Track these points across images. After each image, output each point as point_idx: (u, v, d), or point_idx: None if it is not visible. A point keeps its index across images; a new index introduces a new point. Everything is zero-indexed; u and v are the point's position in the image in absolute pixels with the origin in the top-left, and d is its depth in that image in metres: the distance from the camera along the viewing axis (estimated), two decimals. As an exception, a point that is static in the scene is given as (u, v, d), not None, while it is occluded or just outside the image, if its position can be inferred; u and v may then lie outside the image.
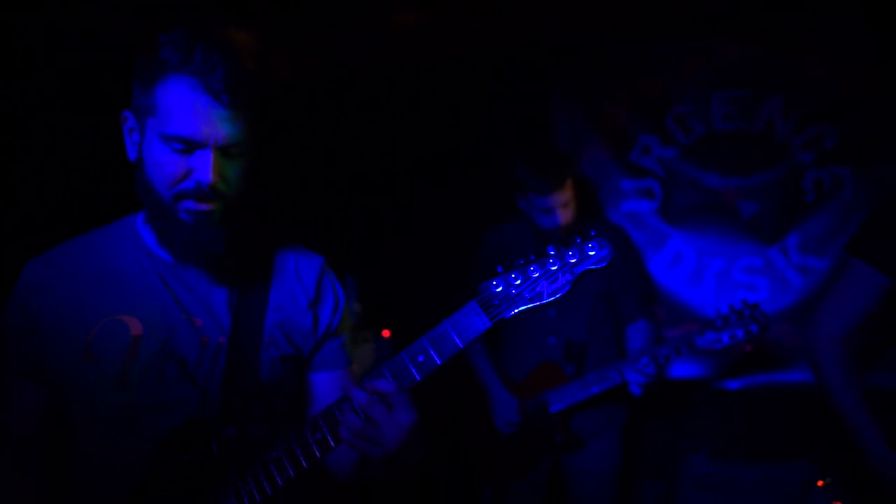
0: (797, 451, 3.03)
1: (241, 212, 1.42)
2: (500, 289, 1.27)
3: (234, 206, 1.39)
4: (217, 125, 1.31)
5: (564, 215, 2.76)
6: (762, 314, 2.57)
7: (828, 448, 2.58)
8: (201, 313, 1.44)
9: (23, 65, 2.53)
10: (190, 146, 1.32)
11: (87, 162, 2.37)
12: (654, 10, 3.10)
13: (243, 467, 1.37)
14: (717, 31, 3.17)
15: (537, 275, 1.27)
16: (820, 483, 2.89)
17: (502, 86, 3.48)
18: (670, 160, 3.33)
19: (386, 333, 3.36)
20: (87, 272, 1.43)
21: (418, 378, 1.30)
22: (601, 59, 3.36)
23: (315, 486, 1.55)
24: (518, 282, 1.27)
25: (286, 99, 3.43)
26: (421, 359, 1.29)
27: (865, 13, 2.95)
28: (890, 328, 2.82)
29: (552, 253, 1.28)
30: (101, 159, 1.87)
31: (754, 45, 3.13)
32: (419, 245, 3.65)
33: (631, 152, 3.38)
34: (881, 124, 2.99)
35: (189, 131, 1.31)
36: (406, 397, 1.29)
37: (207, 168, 1.32)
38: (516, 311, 1.27)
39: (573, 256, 1.29)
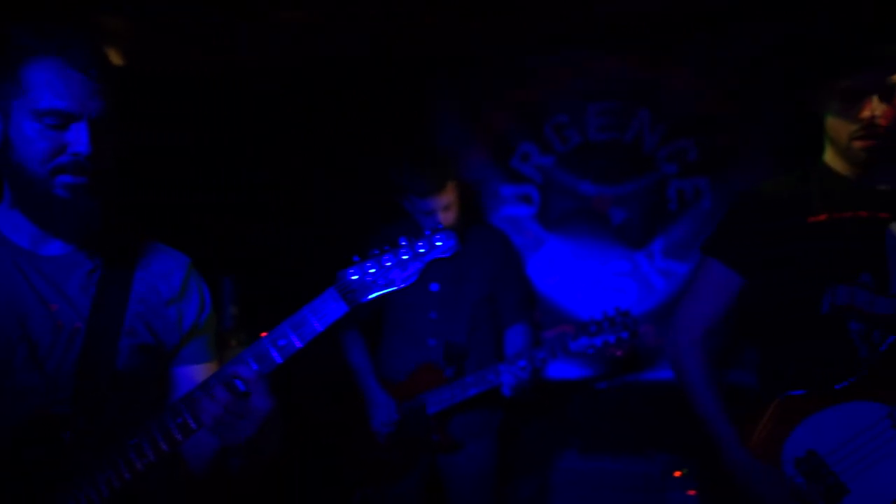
0: (659, 445, 3.26)
1: (110, 187, 1.46)
2: (356, 276, 1.38)
3: (106, 180, 1.43)
4: (90, 98, 1.37)
5: (446, 217, 2.83)
6: (633, 321, 2.73)
7: (686, 441, 2.81)
8: (57, 299, 1.45)
9: None
10: (65, 119, 1.36)
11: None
12: (531, 23, 3.25)
13: (100, 456, 1.39)
14: (590, 45, 3.36)
15: (390, 263, 1.39)
16: (677, 473, 3.14)
17: (386, 88, 3.51)
18: (548, 168, 3.49)
19: (264, 335, 3.29)
20: None
21: (279, 360, 1.38)
22: (482, 68, 3.48)
23: (176, 488, 1.59)
24: (373, 270, 1.38)
25: (166, 90, 3.31)
26: (282, 342, 1.38)
27: (724, 31, 3.25)
28: (745, 327, 3.12)
29: (404, 244, 1.40)
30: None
31: (625, 59, 3.35)
32: (302, 247, 3.60)
33: (511, 159, 3.51)
34: (736, 137, 3.29)
35: (65, 104, 1.35)
36: (265, 384, 1.36)
37: (85, 139, 1.36)
38: (371, 296, 1.39)
39: (422, 247, 1.40)
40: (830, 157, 2.06)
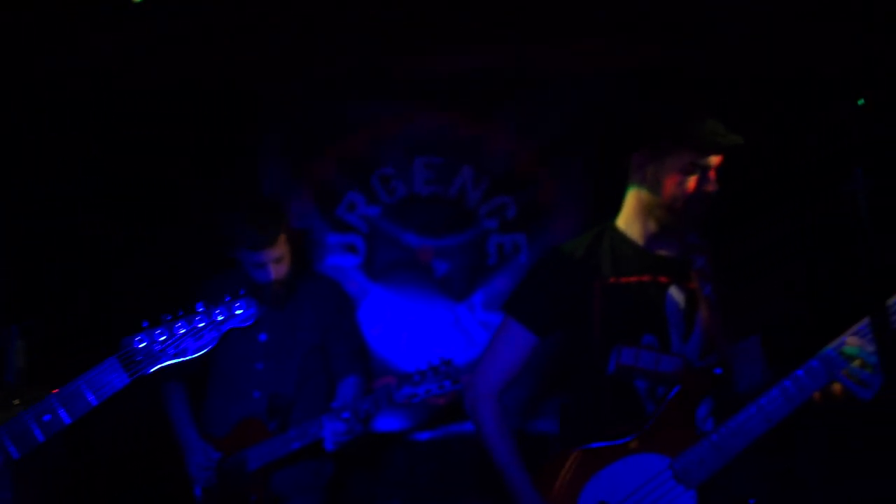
0: (476, 494, 3.34)
1: None
2: (143, 344, 1.31)
3: None
4: None
5: (277, 270, 2.80)
6: (455, 370, 2.78)
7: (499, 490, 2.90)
8: None
9: None
10: None
11: None
12: (357, 75, 3.32)
13: None
14: (417, 100, 3.48)
15: (183, 331, 1.33)
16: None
17: (212, 131, 3.41)
18: (374, 218, 3.53)
19: (24, 411, 3.01)
20: None
21: (41, 439, 1.27)
22: (309, 116, 3.48)
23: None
24: (163, 338, 1.31)
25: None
26: (47, 418, 1.27)
27: (542, 95, 3.47)
28: (544, 380, 3.29)
29: (201, 310, 1.35)
30: None
31: (450, 116, 3.49)
32: (108, 294, 3.37)
33: (337, 208, 3.52)
34: (552, 196, 3.50)
35: None
36: (8, 476, 1.27)
37: None
38: (159, 366, 1.32)
39: (220, 314, 1.35)
40: (623, 222, 2.24)
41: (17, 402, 2.81)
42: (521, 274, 3.46)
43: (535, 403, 3.48)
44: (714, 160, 2.08)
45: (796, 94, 2.68)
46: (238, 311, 1.35)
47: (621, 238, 2.22)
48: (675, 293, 2.13)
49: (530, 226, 3.52)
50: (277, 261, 2.79)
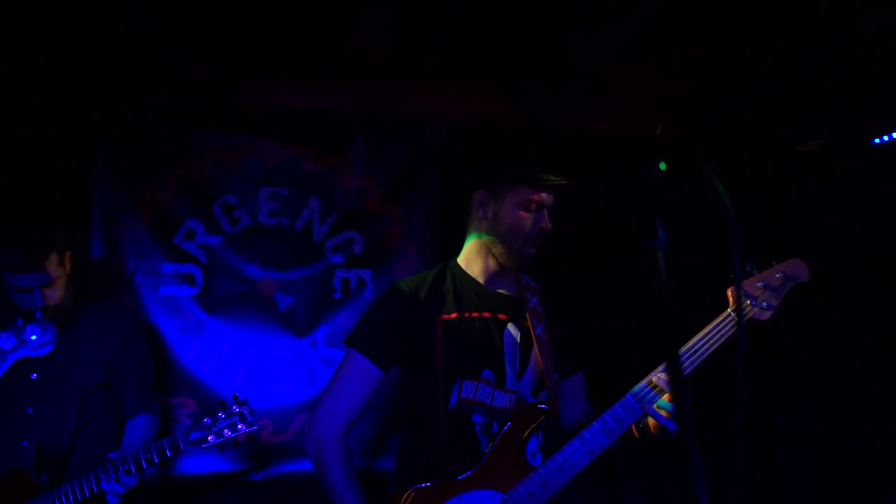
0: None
1: None
2: None
3: None
4: None
5: (50, 295, 2.58)
6: (250, 411, 2.56)
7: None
8: None
9: None
10: None
11: None
12: (201, 101, 3.26)
13: None
14: (263, 132, 3.46)
15: None
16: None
17: (43, 145, 3.22)
18: (214, 247, 3.44)
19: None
20: None
21: None
22: (147, 140, 3.37)
23: None
24: None
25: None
26: None
27: (387, 134, 3.58)
28: (388, 416, 3.33)
29: None
30: None
31: (296, 149, 3.50)
32: None
33: (175, 235, 3.41)
34: (398, 233, 3.58)
35: None
36: None
37: None
38: None
39: (8, 341, 1.24)
40: (464, 261, 2.36)
41: None
42: (365, 309, 3.55)
43: (378, 442, 3.50)
44: (548, 200, 2.25)
45: (614, 151, 2.98)
46: (32, 337, 1.21)
47: (463, 275, 2.33)
48: (512, 330, 2.25)
49: (376, 261, 3.58)
50: (48, 285, 2.57)
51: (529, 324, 2.24)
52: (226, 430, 2.52)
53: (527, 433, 2.12)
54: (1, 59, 2.87)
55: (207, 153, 3.42)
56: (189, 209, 3.42)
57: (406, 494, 2.08)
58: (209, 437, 2.51)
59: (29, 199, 3.18)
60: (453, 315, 2.22)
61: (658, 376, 2.04)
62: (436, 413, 2.16)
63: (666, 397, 2.02)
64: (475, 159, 2.78)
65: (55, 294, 2.59)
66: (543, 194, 2.24)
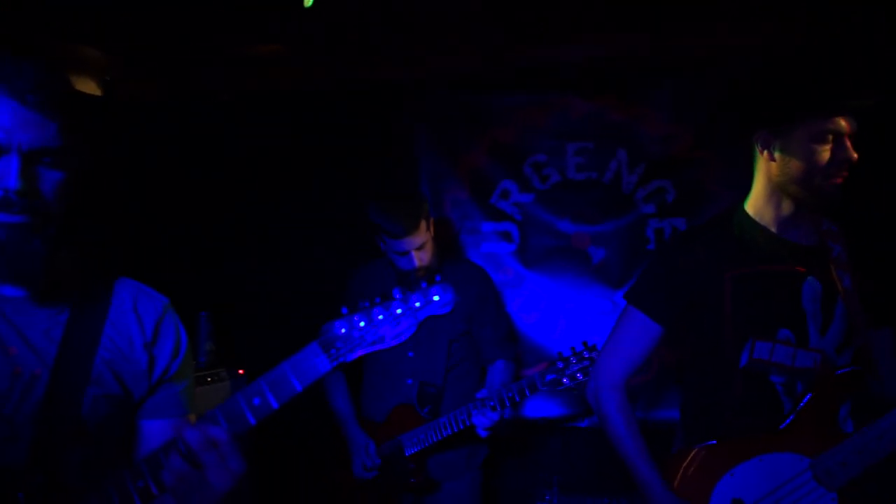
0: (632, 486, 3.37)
1: (62, 229, 1.37)
2: (343, 331, 1.29)
3: (52, 220, 1.35)
4: (22, 128, 1.28)
5: (421, 257, 2.94)
6: (599, 354, 2.80)
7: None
8: (17, 342, 1.38)
9: None
10: None
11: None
12: (505, 64, 3.42)
13: None
14: (564, 87, 3.53)
15: (381, 318, 1.30)
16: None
17: (367, 126, 3.72)
18: (527, 205, 3.64)
19: (241, 371, 3.47)
20: None
21: (253, 422, 1.29)
22: (459, 107, 3.65)
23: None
24: (362, 324, 1.30)
25: (141, 124, 3.50)
26: (257, 402, 1.28)
27: (694, 76, 3.40)
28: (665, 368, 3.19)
29: (397, 297, 1.32)
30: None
31: (600, 101, 3.50)
32: (278, 281, 3.79)
33: (491, 196, 3.67)
34: (711, 178, 3.41)
35: None
36: (237, 444, 1.28)
37: (12, 173, 1.28)
38: (359, 353, 1.31)
39: (417, 300, 1.32)
40: (753, 207, 2.14)
41: (210, 380, 3.28)
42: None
43: (657, 391, 3.43)
44: (846, 126, 1.95)
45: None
46: (435, 298, 1.32)
47: (752, 224, 2.11)
48: (812, 284, 2.01)
49: (690, 210, 3.45)
50: (420, 248, 2.93)
51: (834, 276, 1.98)
52: (578, 374, 2.75)
53: (840, 398, 1.92)
54: (338, 52, 3.33)
55: (512, 116, 3.60)
56: (502, 170, 3.65)
57: (701, 451, 2.03)
58: (563, 380, 2.76)
59: (375, 177, 3.71)
60: (743, 269, 2.05)
61: None
62: (725, 371, 2.04)
63: None
64: (758, 94, 2.49)
65: (425, 256, 2.96)
66: (841, 121, 1.94)
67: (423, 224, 2.95)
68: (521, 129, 3.61)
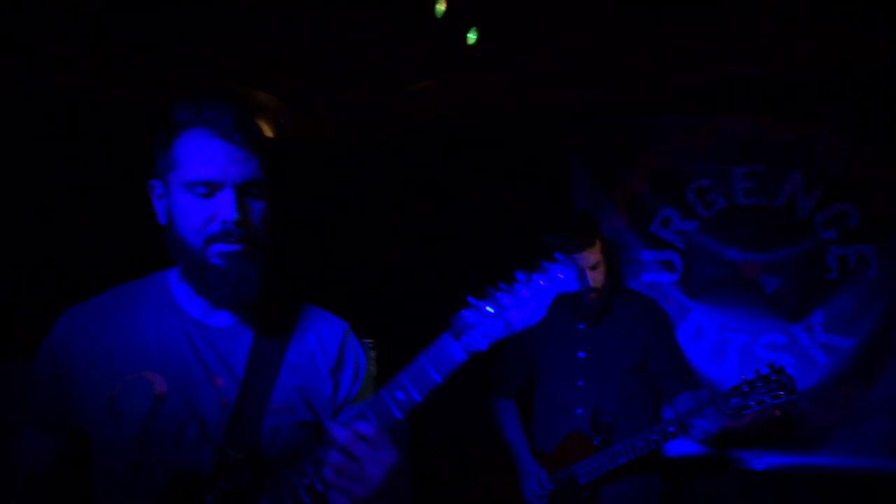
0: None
1: (265, 253, 1.50)
2: (472, 318, 1.29)
3: (259, 245, 1.47)
4: (232, 164, 1.42)
5: (595, 277, 2.88)
6: (788, 378, 2.58)
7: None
8: (223, 373, 1.49)
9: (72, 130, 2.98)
10: (211, 188, 1.42)
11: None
12: (665, 87, 3.32)
13: None
14: (725, 109, 3.36)
15: (509, 302, 1.28)
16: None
17: (524, 152, 3.74)
18: (690, 233, 3.48)
19: (382, 388, 3.55)
20: (117, 326, 1.51)
21: (399, 416, 1.33)
22: (614, 133, 3.58)
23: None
24: (490, 310, 1.28)
25: (304, 159, 3.74)
26: (400, 396, 1.32)
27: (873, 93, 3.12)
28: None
29: (521, 279, 1.29)
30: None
31: (766, 121, 3.30)
32: (433, 310, 3.87)
33: (651, 224, 3.55)
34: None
35: (208, 174, 1.41)
36: (387, 436, 1.34)
37: (230, 206, 1.41)
38: (492, 340, 1.30)
39: (541, 279, 1.29)
40: None
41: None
42: (870, 290, 3.17)
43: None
44: None
45: None
46: (560, 276, 1.29)
47: None
48: None
49: (879, 235, 3.16)
50: (594, 267, 2.88)
51: None
52: (766, 397, 2.58)
53: None
54: (489, 85, 3.40)
55: (671, 140, 3.48)
56: (662, 197, 3.52)
57: None
58: (749, 403, 2.58)
59: (527, 208, 3.73)
60: None
61: None
62: None
63: None
64: None
65: (599, 276, 2.91)
66: None
67: (598, 243, 2.90)
68: (682, 154, 3.47)
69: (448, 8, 2.23)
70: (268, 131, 3.55)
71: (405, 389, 1.32)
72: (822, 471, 3.26)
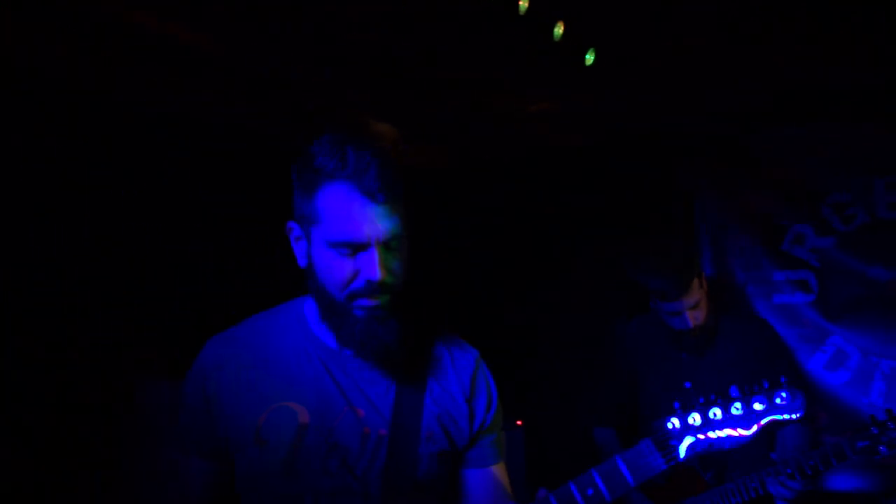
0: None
1: (405, 302, 1.51)
2: (677, 429, 1.30)
3: (399, 296, 1.48)
4: (376, 223, 1.41)
5: (696, 317, 2.78)
6: None
7: None
8: (363, 404, 1.50)
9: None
10: (354, 248, 1.42)
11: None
12: (795, 97, 3.13)
13: None
14: (863, 116, 3.15)
15: (718, 418, 1.28)
16: None
17: (637, 173, 3.63)
18: (827, 250, 3.27)
19: (519, 423, 3.52)
20: (258, 355, 1.54)
21: None
22: (740, 148, 3.41)
23: None
24: (697, 423, 1.28)
25: (426, 189, 3.77)
26: (590, 492, 1.32)
27: None
28: None
29: (735, 396, 1.29)
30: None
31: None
32: (550, 333, 3.81)
33: (782, 242, 3.35)
34: None
35: (352, 236, 1.41)
36: None
37: (374, 267, 1.41)
38: (692, 453, 1.29)
39: (759, 401, 1.29)
40: None
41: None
42: None
43: None
44: None
45: None
46: (779, 402, 1.28)
47: None
48: None
49: None
50: (693, 308, 2.76)
51: None
52: None
53: None
54: (605, 107, 3.31)
55: (799, 151, 3.29)
56: (793, 213, 3.33)
57: None
58: (879, 447, 2.32)
59: (641, 221, 3.61)
60: None
61: None
62: None
63: None
64: None
65: (700, 315, 2.80)
66: None
67: (695, 282, 2.77)
68: (815, 166, 3.26)
69: (565, 31, 2.18)
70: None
71: (596, 486, 1.32)
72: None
